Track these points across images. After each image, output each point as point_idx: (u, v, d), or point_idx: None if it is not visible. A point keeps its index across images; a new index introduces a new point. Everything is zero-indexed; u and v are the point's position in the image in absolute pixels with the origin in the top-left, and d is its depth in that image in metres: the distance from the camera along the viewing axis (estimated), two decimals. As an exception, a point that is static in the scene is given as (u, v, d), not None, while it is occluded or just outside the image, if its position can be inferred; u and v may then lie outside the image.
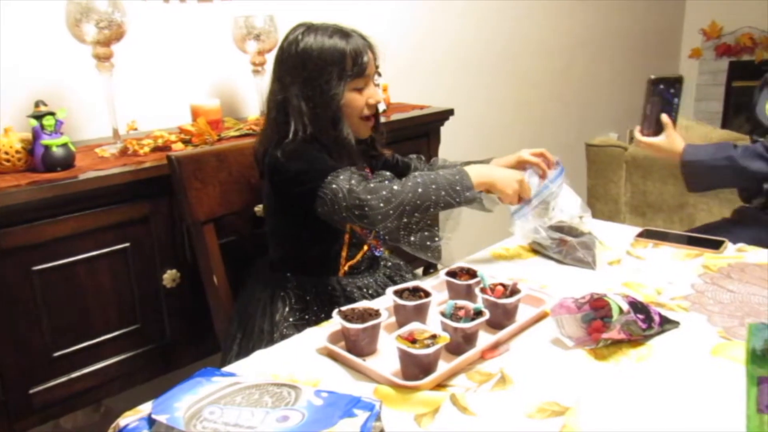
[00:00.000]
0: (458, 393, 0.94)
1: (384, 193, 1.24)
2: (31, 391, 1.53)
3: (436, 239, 1.28)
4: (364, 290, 1.48)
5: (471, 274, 1.27)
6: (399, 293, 1.19)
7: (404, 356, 0.99)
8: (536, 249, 1.54)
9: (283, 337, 1.32)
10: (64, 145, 1.53)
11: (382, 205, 1.23)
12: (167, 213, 1.68)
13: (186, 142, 1.79)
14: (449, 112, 2.39)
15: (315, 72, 1.34)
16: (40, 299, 1.50)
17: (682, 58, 5.11)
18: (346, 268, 1.45)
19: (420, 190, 1.25)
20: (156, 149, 1.74)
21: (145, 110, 1.98)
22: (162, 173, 1.58)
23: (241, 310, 1.52)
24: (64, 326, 1.56)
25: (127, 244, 1.63)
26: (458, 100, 2.74)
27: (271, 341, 1.36)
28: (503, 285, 1.20)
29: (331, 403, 0.83)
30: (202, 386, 0.89)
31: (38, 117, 1.50)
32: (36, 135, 1.51)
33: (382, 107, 2.31)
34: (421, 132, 2.35)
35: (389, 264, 1.60)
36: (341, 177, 1.27)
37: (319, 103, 1.35)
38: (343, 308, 1.11)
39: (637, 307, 1.10)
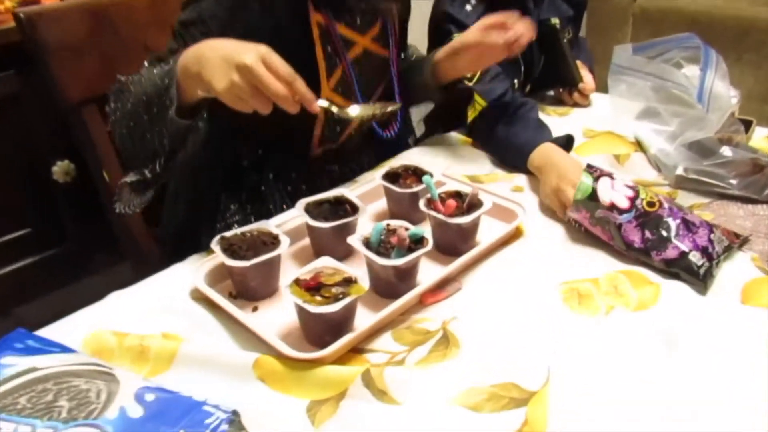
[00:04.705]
0: (376, 369, 0.65)
1: (131, 77, 0.89)
2: None
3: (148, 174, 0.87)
4: (340, 184, 1.09)
5: (419, 175, 0.93)
6: (316, 207, 0.86)
7: (302, 313, 0.69)
8: (686, 186, 0.99)
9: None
10: None
11: (113, 96, 0.91)
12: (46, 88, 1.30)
13: (61, -6, 1.36)
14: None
15: None
16: None
17: None
18: (318, 151, 1.07)
19: (142, 89, 0.85)
20: (24, 3, 1.33)
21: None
22: (26, 37, 1.18)
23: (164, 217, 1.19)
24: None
25: (-9, 130, 1.27)
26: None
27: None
28: (459, 195, 0.87)
29: (156, 412, 0.53)
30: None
31: None
32: None
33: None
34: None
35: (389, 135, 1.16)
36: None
37: None
38: (228, 234, 0.79)
39: (689, 225, 0.80)
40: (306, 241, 0.87)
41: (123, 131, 0.88)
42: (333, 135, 1.06)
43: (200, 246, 0.90)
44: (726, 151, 0.97)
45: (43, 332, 0.72)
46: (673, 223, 0.80)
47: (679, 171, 0.98)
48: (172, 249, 1.10)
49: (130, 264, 1.32)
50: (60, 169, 1.39)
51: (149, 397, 0.54)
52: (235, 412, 0.54)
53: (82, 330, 0.72)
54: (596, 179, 0.84)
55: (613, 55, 1.10)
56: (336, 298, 0.67)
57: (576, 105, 1.32)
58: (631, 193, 0.82)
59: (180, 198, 1.13)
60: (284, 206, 1.03)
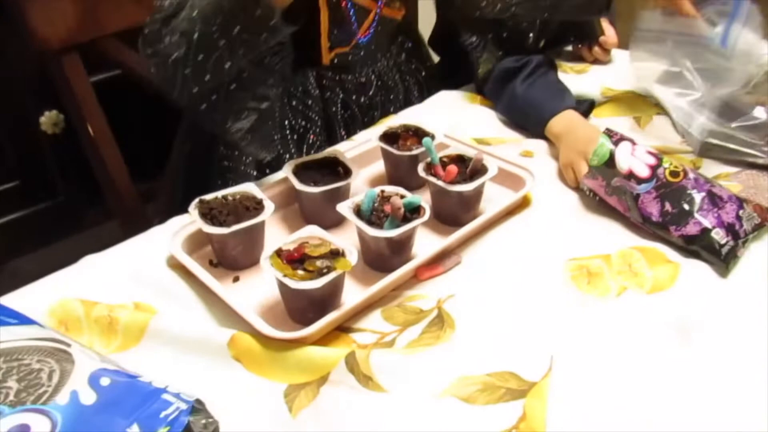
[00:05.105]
0: (362, 351, 0.59)
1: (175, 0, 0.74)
2: None
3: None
4: (354, 95, 1.01)
5: (421, 136, 0.85)
6: (305, 170, 0.79)
7: (283, 288, 0.63)
8: (713, 154, 0.91)
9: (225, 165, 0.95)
10: None
11: (161, 30, 0.74)
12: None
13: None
14: None
15: None
16: None
17: None
18: (330, 56, 0.96)
19: (209, 7, 0.70)
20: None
21: None
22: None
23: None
24: None
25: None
26: None
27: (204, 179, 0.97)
28: (462, 159, 0.79)
29: (110, 400, 0.47)
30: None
31: None
32: None
33: None
34: None
35: (408, 45, 1.09)
36: None
37: None
38: (207, 197, 0.73)
39: (715, 199, 0.72)
40: (296, 205, 0.81)
41: (187, 72, 0.72)
42: (344, 35, 0.94)
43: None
44: (759, 112, 0.88)
45: (9, 298, 0.67)
46: (697, 196, 0.72)
47: (704, 135, 0.90)
48: (183, 196, 1.04)
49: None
50: (48, 119, 1.32)
51: (104, 381, 0.49)
52: (198, 401, 0.48)
53: (51, 297, 0.67)
54: (616, 143, 0.76)
55: (637, 20, 1.00)
56: (320, 273, 0.61)
57: (596, 61, 1.23)
58: (652, 161, 0.75)
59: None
60: (286, 122, 0.96)
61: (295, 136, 0.98)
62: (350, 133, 1.00)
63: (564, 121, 0.92)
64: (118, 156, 1.19)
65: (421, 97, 1.10)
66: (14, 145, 1.32)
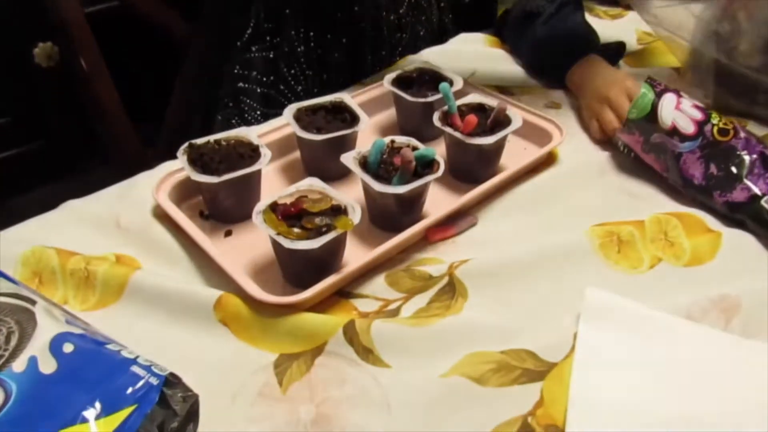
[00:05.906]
0: (363, 321, 0.53)
1: None
2: None
3: None
4: (385, 12, 0.92)
5: (438, 82, 0.77)
6: (308, 115, 0.71)
7: (277, 246, 0.56)
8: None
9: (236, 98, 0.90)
10: None
11: None
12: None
13: None
14: None
15: None
16: None
17: None
18: None
19: None
20: None
21: None
22: None
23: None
24: None
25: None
26: None
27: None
28: (483, 109, 0.71)
29: (73, 370, 0.42)
30: None
31: None
32: None
33: None
34: None
35: None
36: None
37: None
38: (198, 141, 0.65)
39: (767, 162, 0.64)
40: (296, 154, 0.74)
41: None
42: None
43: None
44: None
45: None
46: (747, 158, 0.64)
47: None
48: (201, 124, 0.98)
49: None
50: (42, 51, 1.24)
51: (67, 347, 0.43)
52: (172, 375, 0.43)
53: (25, 244, 0.61)
54: (659, 95, 0.67)
55: None
56: (318, 231, 0.54)
57: (630, 7, 1.12)
58: (699, 116, 0.66)
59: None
60: (310, 34, 0.88)
61: (319, 50, 0.89)
62: (376, 55, 0.92)
63: (586, 67, 0.82)
64: (113, 93, 1.12)
65: (457, 24, 1.01)
66: (5, 79, 1.25)
